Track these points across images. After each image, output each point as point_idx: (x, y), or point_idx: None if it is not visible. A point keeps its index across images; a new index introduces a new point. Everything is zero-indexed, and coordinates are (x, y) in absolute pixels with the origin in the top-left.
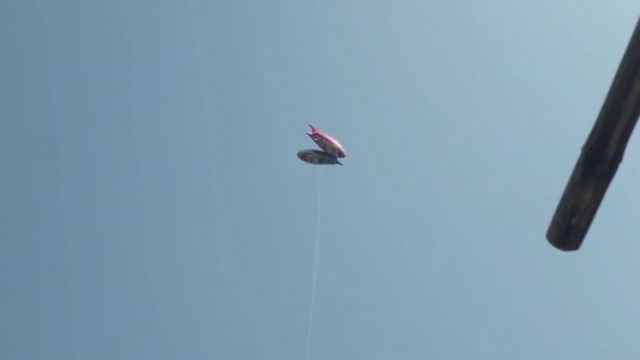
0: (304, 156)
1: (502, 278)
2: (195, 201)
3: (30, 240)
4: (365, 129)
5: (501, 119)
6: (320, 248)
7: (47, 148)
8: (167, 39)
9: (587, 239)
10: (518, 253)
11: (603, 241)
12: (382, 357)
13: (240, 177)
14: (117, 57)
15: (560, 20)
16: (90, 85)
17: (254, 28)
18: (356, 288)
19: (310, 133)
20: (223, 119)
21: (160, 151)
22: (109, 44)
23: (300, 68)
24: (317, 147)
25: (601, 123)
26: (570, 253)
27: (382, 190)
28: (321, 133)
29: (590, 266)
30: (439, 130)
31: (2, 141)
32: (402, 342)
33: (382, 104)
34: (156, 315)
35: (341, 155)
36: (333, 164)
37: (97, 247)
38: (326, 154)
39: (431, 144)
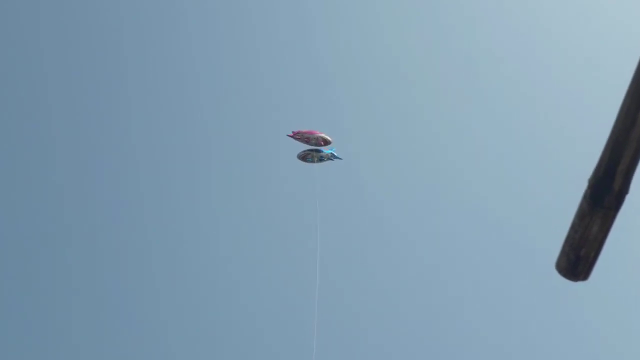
0: (303, 158)
1: (507, 301)
2: (196, 201)
3: (30, 241)
4: (364, 127)
5: (510, 151)
6: (321, 246)
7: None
8: (156, 46)
9: (595, 269)
10: (526, 278)
11: (612, 271)
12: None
13: (240, 178)
14: (111, 64)
15: (569, 53)
16: (88, 87)
17: (241, 28)
18: (357, 286)
19: (290, 134)
20: (219, 120)
21: (159, 153)
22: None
23: (295, 68)
24: (307, 147)
25: (607, 156)
26: (580, 283)
27: (381, 191)
28: (300, 130)
29: (599, 296)
30: (446, 146)
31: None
32: (401, 339)
33: (385, 106)
34: (162, 314)
35: (327, 142)
36: (333, 159)
37: (99, 247)
38: (315, 150)
39: (437, 163)
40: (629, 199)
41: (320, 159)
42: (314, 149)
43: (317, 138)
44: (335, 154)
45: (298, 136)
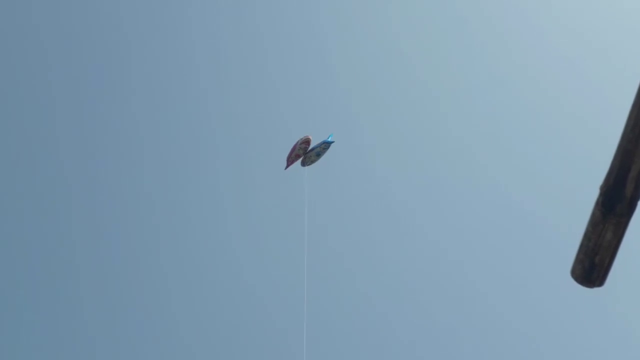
0: (303, 162)
1: (518, 312)
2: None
3: (32, 240)
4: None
5: (521, 158)
6: (309, 244)
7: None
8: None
9: (610, 275)
10: (539, 289)
11: (627, 277)
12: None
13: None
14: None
15: (578, 59)
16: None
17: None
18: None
19: (286, 167)
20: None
21: (156, 160)
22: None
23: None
24: (307, 148)
25: (617, 164)
26: (595, 289)
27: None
28: (289, 158)
29: (614, 302)
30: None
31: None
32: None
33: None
34: (157, 310)
35: (308, 141)
36: (328, 148)
37: (98, 244)
38: (308, 153)
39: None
40: None
41: (318, 155)
42: (307, 153)
43: (301, 147)
44: (329, 140)
45: (292, 159)
